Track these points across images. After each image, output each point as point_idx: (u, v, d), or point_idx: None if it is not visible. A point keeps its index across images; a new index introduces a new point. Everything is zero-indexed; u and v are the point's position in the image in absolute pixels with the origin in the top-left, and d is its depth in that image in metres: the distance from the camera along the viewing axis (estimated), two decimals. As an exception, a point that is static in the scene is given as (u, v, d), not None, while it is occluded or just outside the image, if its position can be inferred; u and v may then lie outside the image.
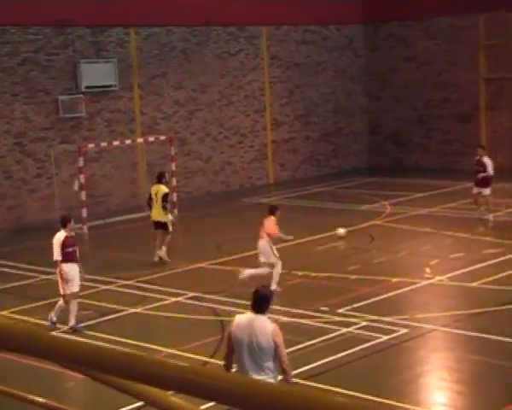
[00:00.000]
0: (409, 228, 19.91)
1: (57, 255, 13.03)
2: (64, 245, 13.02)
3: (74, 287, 13.09)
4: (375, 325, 12.60)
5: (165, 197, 17.60)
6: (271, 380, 7.29)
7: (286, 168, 30.08)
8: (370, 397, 9.89)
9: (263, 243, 14.86)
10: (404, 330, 12.31)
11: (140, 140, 24.82)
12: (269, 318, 7.71)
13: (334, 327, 12.58)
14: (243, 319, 7.62)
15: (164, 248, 17.57)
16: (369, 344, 11.79)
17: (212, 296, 14.75)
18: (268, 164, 29.62)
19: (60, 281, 13.00)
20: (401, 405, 9.77)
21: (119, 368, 2.57)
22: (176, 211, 23.08)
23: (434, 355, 11.71)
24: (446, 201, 23.22)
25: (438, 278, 15.34)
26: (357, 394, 10.03)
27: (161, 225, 17.64)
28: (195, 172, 27.27)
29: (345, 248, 18.43)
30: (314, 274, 16.00)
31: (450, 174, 27.85)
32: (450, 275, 15.43)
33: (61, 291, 12.98)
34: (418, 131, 31.15)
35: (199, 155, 27.54)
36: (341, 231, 19.09)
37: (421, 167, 30.19)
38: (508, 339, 11.70)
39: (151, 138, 24.72)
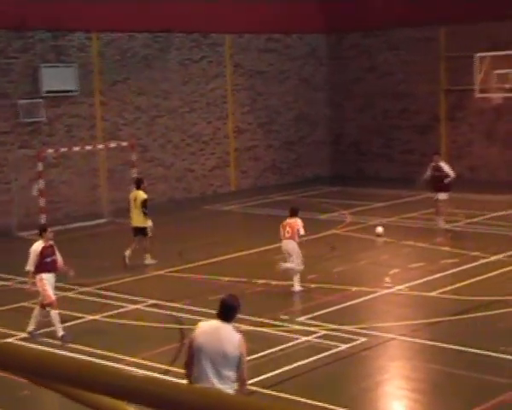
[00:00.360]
0: (369, 237, 20.04)
1: (30, 266, 12.89)
2: (42, 255, 12.89)
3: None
4: (335, 333, 12.65)
5: (144, 203, 17.86)
6: (230, 390, 7.27)
7: (248, 176, 30.11)
8: (329, 406, 9.93)
9: (292, 244, 15.19)
10: (362, 339, 12.37)
11: (101, 146, 24.65)
12: (234, 326, 7.66)
13: (294, 336, 12.60)
14: (208, 326, 7.55)
15: (147, 255, 17.95)
16: (328, 353, 11.82)
17: (173, 304, 14.68)
18: (230, 172, 29.63)
19: (42, 290, 12.83)
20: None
21: (71, 377, 2.54)
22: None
23: (392, 364, 11.79)
24: (406, 211, 23.44)
25: (397, 287, 15.45)
26: (316, 402, 10.05)
27: (140, 231, 17.91)
28: (157, 178, 27.16)
29: (305, 256, 18.45)
30: (274, 282, 16.02)
31: (411, 184, 28.08)
32: (408, 284, 15.55)
33: (47, 300, 12.79)
34: (379, 141, 31.41)
35: (161, 162, 27.45)
36: (380, 229, 19.86)
37: (382, 177, 30.44)
38: (464, 348, 11.82)
39: (112, 144, 24.57)
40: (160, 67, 27.32)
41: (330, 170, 32.46)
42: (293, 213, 15.59)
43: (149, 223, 17.99)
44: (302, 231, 15.24)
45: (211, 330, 7.41)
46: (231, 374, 7.33)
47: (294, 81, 31.35)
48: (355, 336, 12.48)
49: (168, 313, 14.23)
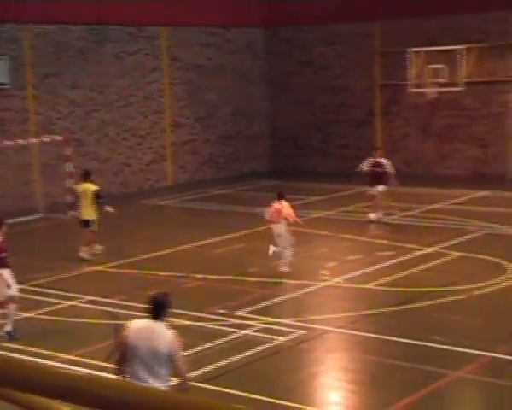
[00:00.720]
0: (306, 231, 20.12)
1: None
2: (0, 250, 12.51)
3: (13, 291, 12.63)
4: (273, 327, 12.67)
5: (97, 194, 17.87)
6: (164, 387, 7.19)
7: (185, 170, 29.95)
8: (267, 399, 9.94)
9: (280, 227, 15.86)
10: (300, 332, 12.42)
11: (34, 140, 24.19)
12: (166, 323, 7.58)
13: (232, 330, 12.57)
14: (140, 324, 7.47)
15: (90, 246, 17.89)
16: (266, 346, 11.84)
17: (109, 300, 14.50)
18: (167, 166, 29.43)
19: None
20: (297, 405, 9.84)
21: (1, 376, 2.45)
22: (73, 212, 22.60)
23: (330, 356, 11.86)
24: (343, 204, 23.64)
25: (334, 280, 15.57)
26: (253, 395, 10.05)
27: (88, 223, 17.88)
28: (93, 173, 26.71)
29: (244, 251, 18.48)
30: (212, 277, 15.97)
31: (347, 178, 28.37)
32: (346, 277, 15.69)
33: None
34: (316, 136, 31.61)
35: (96, 156, 27.09)
36: (373, 215, 20.54)
37: (319, 171, 30.64)
38: (401, 339, 11.98)
39: (46, 139, 24.13)
40: (96, 60, 26.95)
41: (268, 164, 32.52)
42: (280, 197, 16.18)
43: (96, 216, 17.88)
44: (292, 216, 15.99)
45: (142, 329, 7.34)
46: (165, 371, 7.27)
47: (232, 75, 31.29)
48: (293, 329, 12.52)
49: (105, 309, 14.05)
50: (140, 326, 7.41)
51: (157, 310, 7.43)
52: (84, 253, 17.81)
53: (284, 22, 31.72)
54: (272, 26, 32.05)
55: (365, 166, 21.20)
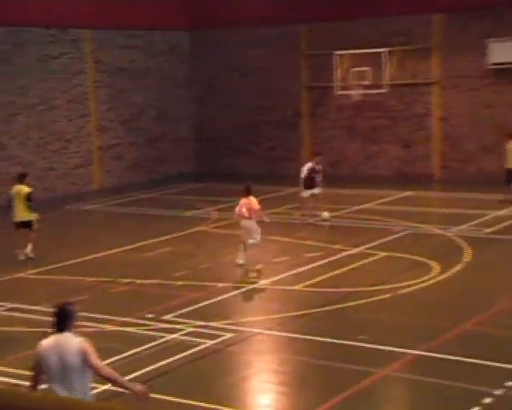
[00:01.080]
0: (235, 233, 20.10)
1: None
2: None
3: None
4: (201, 330, 12.60)
5: (29, 196, 17.97)
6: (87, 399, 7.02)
7: (111, 175, 29.59)
8: (196, 403, 9.86)
9: (249, 222, 16.36)
10: (229, 335, 12.38)
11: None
12: (74, 332, 7.32)
13: (160, 334, 12.44)
14: (48, 342, 7.21)
15: (30, 246, 17.89)
16: (194, 350, 11.75)
17: (34, 307, 14.18)
18: (93, 170, 29.02)
19: None
20: (227, 409, 9.79)
21: None
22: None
23: (259, 358, 11.85)
24: (271, 206, 23.68)
25: (262, 282, 15.59)
26: (182, 400, 9.96)
27: (25, 224, 18.00)
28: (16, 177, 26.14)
29: (171, 254, 18.34)
30: (139, 281, 15.79)
31: (276, 180, 28.51)
32: (274, 279, 15.72)
33: None
34: (244, 138, 31.65)
35: (20, 161, 26.51)
36: (326, 214, 20.87)
37: (247, 173, 30.66)
38: (329, 339, 12.05)
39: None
40: (17, 62, 26.38)
41: (195, 167, 32.41)
42: (248, 193, 16.53)
43: (34, 215, 18.10)
44: (260, 209, 16.49)
45: (50, 346, 7.11)
46: (81, 382, 7.07)
47: (156, 78, 31.07)
48: (221, 332, 12.47)
49: (29, 316, 13.73)
50: (48, 344, 7.16)
51: (61, 322, 7.19)
52: (22, 254, 17.84)
53: (210, 25, 31.66)
54: (198, 29, 31.96)
55: (305, 171, 21.41)
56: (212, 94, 32.13)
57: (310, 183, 21.31)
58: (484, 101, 27.30)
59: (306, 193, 21.32)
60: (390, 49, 28.07)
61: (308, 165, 21.63)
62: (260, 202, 17.03)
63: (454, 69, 27.62)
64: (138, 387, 7.45)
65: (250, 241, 16.55)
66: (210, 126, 32.40)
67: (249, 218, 16.38)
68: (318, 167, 21.58)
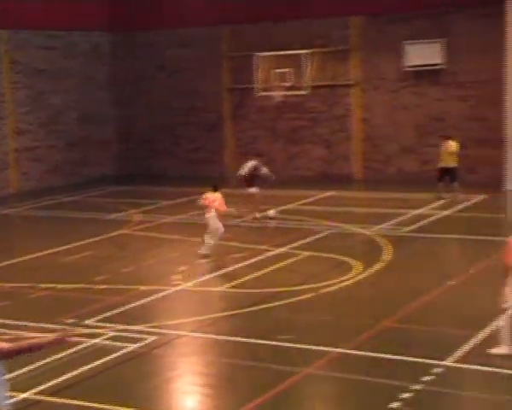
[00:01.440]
0: (158, 236, 19.99)
1: None
2: None
3: None
4: (124, 334, 12.44)
5: None
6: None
7: (30, 178, 28.99)
8: (120, 408, 9.73)
9: (211, 217, 17.37)
10: (153, 338, 12.27)
11: None
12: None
13: (82, 339, 12.23)
14: None
15: None
16: (117, 354, 11.59)
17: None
18: (10, 173, 28.36)
19: None
20: (151, 413, 9.70)
21: None
22: None
23: (184, 360, 11.78)
24: (195, 208, 23.60)
25: (186, 284, 15.51)
26: (105, 406, 9.81)
27: None
28: None
29: (93, 258, 18.08)
30: (60, 286, 15.50)
31: (199, 182, 28.45)
32: (198, 281, 15.67)
33: None
34: (168, 139, 31.48)
35: None
36: (272, 212, 21.49)
37: (171, 175, 30.52)
38: (253, 340, 12.07)
39: None
40: None
41: (118, 169, 32.06)
42: (215, 189, 17.61)
43: None
44: (222, 208, 17.40)
45: None
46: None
47: (77, 79, 30.60)
48: (145, 336, 12.35)
49: None
50: None
51: None
52: None
53: (132, 26, 31.38)
54: (119, 30, 31.63)
55: (246, 168, 22.01)
56: (134, 95, 31.85)
57: (250, 181, 21.67)
58: (403, 102, 27.84)
59: (250, 190, 21.73)
60: (310, 50, 28.36)
61: (251, 163, 22.03)
62: (223, 200, 17.65)
63: (373, 71, 28.09)
64: (55, 335, 7.13)
65: (205, 240, 17.44)
66: (133, 128, 32.10)
67: (210, 212, 17.43)
68: (261, 168, 22.07)
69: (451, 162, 23.66)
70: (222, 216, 17.70)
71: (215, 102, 30.52)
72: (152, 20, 30.91)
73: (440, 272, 15.84)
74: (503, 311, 10.96)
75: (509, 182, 25.12)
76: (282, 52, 28.55)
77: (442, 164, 23.85)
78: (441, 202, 23.00)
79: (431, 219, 20.95)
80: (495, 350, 10.97)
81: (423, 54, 26.70)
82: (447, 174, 23.64)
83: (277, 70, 28.67)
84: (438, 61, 26.72)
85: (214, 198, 17.48)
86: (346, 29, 28.23)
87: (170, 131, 31.43)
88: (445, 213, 21.74)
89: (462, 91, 26.88)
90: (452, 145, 23.81)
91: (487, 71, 26.16)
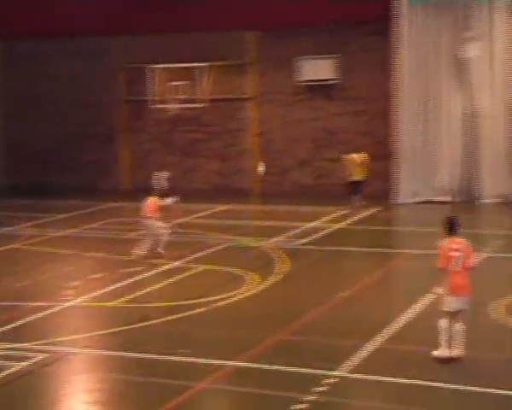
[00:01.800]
0: (50, 250, 19.52)
1: None
2: None
3: None
4: (11, 353, 12.04)
5: None
6: None
7: None
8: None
9: (149, 223, 18.50)
10: (42, 356, 11.91)
11: None
12: None
13: (-32, 359, 11.76)
14: None
15: None
16: (4, 373, 11.20)
17: None
18: None
19: None
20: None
21: None
22: None
23: (75, 378, 11.49)
24: (88, 221, 23.21)
25: (79, 299, 15.18)
26: (-9, 428, 9.45)
27: None
28: None
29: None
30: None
31: (92, 194, 27.98)
32: (90, 296, 15.36)
33: None
34: (61, 151, 30.87)
35: None
36: (261, 168, 22.65)
37: (64, 188, 29.88)
38: (147, 355, 11.90)
39: None
40: None
41: (7, 182, 31.15)
42: (149, 194, 18.71)
43: None
44: (153, 210, 18.29)
45: None
46: None
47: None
48: (34, 354, 11.97)
49: None
50: None
51: None
52: None
53: (21, 35, 30.55)
54: (7, 39, 30.77)
55: (162, 180, 22.33)
56: (25, 107, 31.06)
57: (166, 192, 21.61)
58: (298, 116, 28.22)
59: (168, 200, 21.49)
60: (206, 64, 28.38)
61: (166, 174, 22.39)
62: (158, 204, 18.47)
63: (268, 85, 28.36)
64: None
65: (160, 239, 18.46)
66: (24, 140, 31.28)
67: (147, 218, 18.45)
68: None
69: (359, 175, 24.49)
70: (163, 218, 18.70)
71: (110, 115, 30.12)
72: (42, 30, 30.00)
73: (334, 284, 16.06)
74: (443, 314, 11.22)
75: (396, 195, 25.83)
76: (178, 64, 28.46)
77: (353, 177, 24.60)
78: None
79: (325, 231, 21.27)
80: (437, 353, 11.20)
81: (316, 69, 27.19)
82: (357, 186, 24.46)
83: (173, 83, 28.55)
84: (331, 76, 27.25)
85: (148, 204, 18.49)
86: (243, 43, 28.41)
87: (64, 142, 30.80)
88: (339, 225, 22.12)
89: (353, 106, 27.49)
90: (356, 158, 24.64)
91: (377, 87, 26.87)
